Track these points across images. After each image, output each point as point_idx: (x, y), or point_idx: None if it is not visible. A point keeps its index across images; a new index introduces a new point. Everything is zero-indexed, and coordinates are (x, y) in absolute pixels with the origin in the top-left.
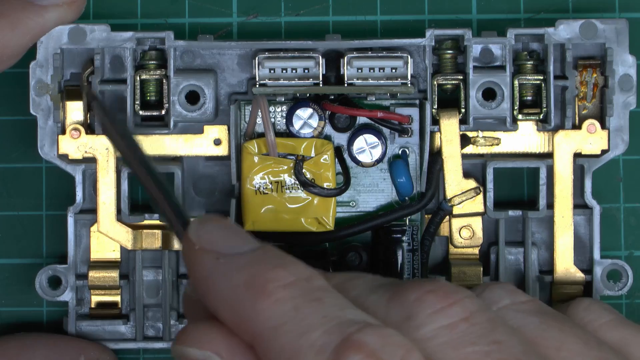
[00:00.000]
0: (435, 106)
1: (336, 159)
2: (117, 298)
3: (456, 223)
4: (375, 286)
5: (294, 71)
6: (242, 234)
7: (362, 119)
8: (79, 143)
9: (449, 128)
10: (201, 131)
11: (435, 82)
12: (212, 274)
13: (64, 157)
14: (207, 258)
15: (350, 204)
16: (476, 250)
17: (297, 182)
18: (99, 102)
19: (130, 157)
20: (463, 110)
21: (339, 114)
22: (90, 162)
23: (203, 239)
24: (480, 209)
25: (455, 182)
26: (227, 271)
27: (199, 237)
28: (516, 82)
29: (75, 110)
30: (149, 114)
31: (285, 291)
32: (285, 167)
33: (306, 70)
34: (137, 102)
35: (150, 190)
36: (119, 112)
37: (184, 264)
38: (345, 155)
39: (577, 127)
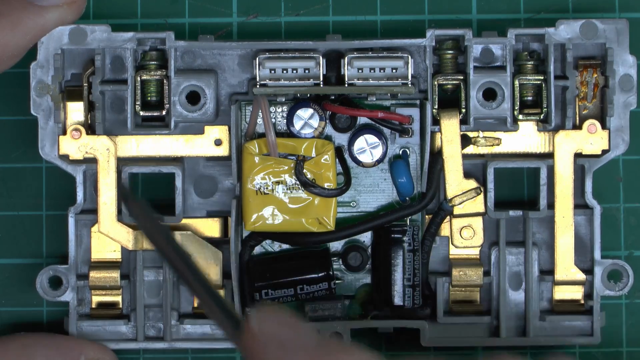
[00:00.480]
0: (436, 106)
1: (337, 159)
2: (118, 298)
3: (457, 223)
4: None
5: (294, 71)
6: (303, 325)
7: (362, 119)
8: (79, 143)
9: (450, 128)
10: (202, 131)
11: (435, 82)
12: None
13: (65, 158)
14: (271, 352)
15: (351, 204)
16: (477, 251)
17: (297, 182)
18: (137, 202)
19: (175, 261)
20: (463, 110)
21: (339, 114)
22: (91, 162)
23: (266, 332)
24: (481, 209)
25: (455, 182)
26: None
27: (261, 330)
28: (517, 82)
29: (76, 111)
30: (149, 114)
31: None
32: (286, 168)
33: (307, 71)
34: (138, 103)
35: (197, 292)
36: (157, 214)
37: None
38: (346, 156)
39: (577, 127)
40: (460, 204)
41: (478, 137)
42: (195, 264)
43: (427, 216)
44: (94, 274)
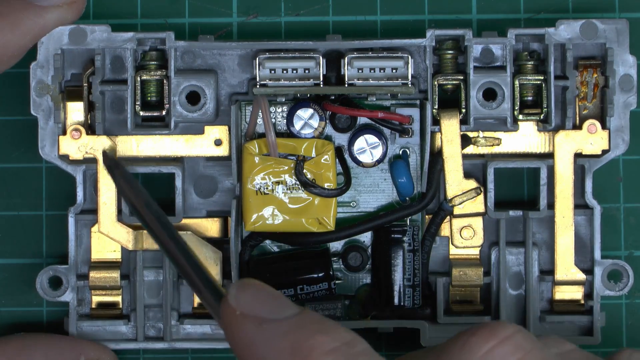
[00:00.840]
0: (436, 106)
1: (337, 159)
2: (118, 298)
3: (457, 223)
4: (424, 351)
5: (294, 71)
6: (282, 298)
7: (362, 119)
8: (79, 143)
9: (450, 128)
10: (202, 131)
11: (435, 82)
12: (255, 341)
13: (65, 158)
14: (249, 324)
15: (351, 204)
16: (477, 251)
17: (297, 182)
18: (122, 171)
19: (158, 232)
20: (464, 110)
21: (339, 114)
22: (90, 162)
23: (243, 305)
24: (481, 209)
25: (456, 182)
26: (270, 337)
27: (239, 303)
28: (517, 82)
29: (76, 111)
30: (149, 114)
31: (329, 357)
32: (286, 168)
33: (307, 71)
34: (138, 103)
35: (179, 264)
36: (138, 183)
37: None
38: (346, 156)
39: (577, 127)
40: (460, 204)
41: (478, 137)
42: (177, 233)
43: (427, 216)
44: (94, 274)
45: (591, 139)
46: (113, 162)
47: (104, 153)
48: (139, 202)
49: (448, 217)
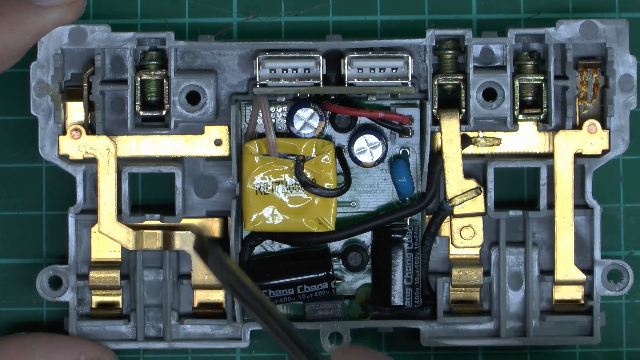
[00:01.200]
0: (436, 106)
1: (337, 159)
2: (118, 298)
3: (457, 223)
4: None
5: (294, 71)
6: (383, 356)
7: (362, 119)
8: (79, 143)
9: (450, 128)
10: (202, 131)
11: (435, 82)
12: None
13: (65, 158)
14: None
15: (351, 204)
16: (477, 251)
17: (297, 182)
18: (219, 255)
19: (258, 310)
20: (464, 110)
21: (339, 114)
22: (90, 162)
23: None
24: (481, 209)
25: (455, 182)
26: None
27: None
28: (517, 82)
29: (75, 111)
30: (149, 114)
31: None
32: (286, 168)
33: (307, 71)
34: (138, 103)
35: (281, 337)
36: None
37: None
38: (346, 156)
39: (577, 127)
40: (460, 204)
41: (478, 137)
42: (275, 307)
43: (427, 216)
44: (94, 274)
45: (591, 139)
46: (206, 245)
47: (199, 235)
48: (237, 284)
49: (448, 217)
